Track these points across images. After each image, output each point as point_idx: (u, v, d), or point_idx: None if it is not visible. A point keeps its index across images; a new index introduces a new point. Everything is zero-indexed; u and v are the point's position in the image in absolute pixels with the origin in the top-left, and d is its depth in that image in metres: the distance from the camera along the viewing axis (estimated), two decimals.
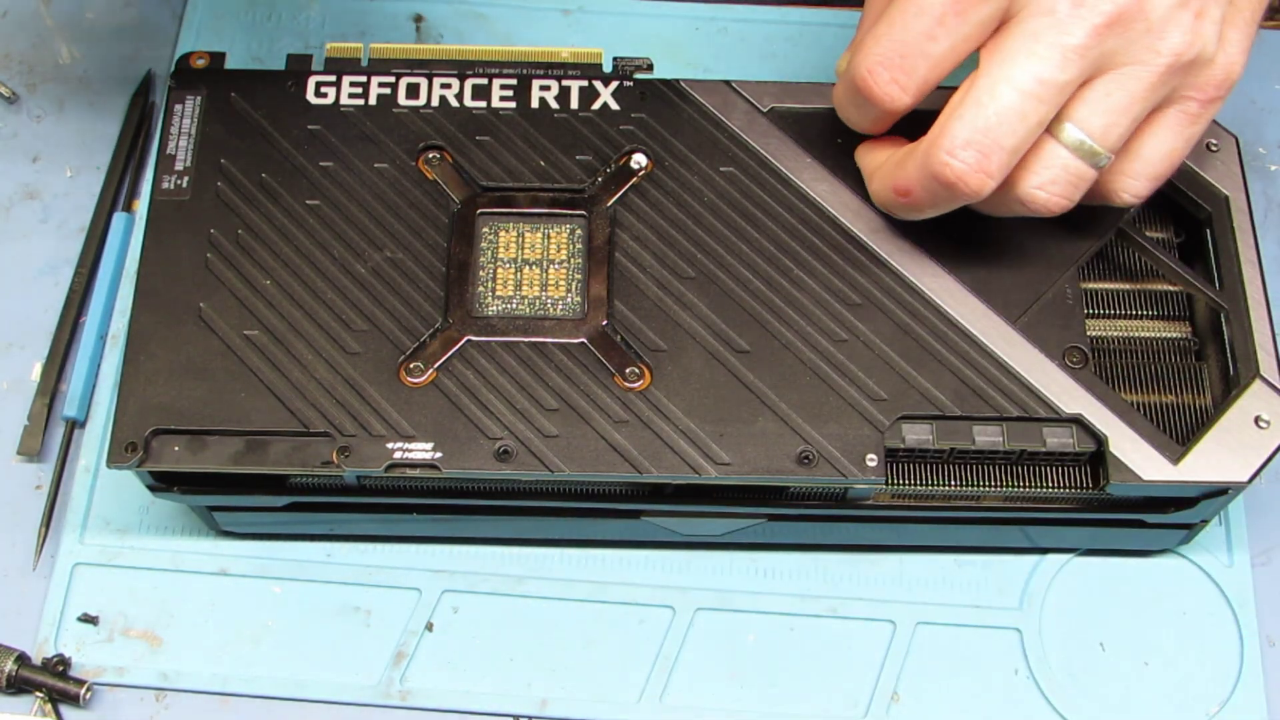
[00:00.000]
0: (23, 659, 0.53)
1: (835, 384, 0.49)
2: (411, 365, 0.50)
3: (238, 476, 0.49)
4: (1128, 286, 0.53)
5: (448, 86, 0.54)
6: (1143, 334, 0.53)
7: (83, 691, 0.52)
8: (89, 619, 0.54)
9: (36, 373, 0.58)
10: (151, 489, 0.50)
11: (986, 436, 0.49)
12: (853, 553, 0.55)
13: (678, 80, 0.55)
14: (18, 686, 0.52)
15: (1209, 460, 0.49)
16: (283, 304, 0.50)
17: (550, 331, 0.50)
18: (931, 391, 0.49)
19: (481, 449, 0.48)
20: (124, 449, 0.48)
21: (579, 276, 0.52)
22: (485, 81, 0.54)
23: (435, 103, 0.54)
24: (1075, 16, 0.44)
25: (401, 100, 0.54)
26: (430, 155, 0.53)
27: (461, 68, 0.55)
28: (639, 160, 0.53)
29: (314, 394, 0.49)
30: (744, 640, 0.54)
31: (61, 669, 0.53)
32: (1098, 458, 0.49)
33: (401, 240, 0.52)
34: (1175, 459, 0.48)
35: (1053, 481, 0.50)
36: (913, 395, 0.49)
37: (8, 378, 0.58)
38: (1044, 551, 0.55)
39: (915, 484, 0.50)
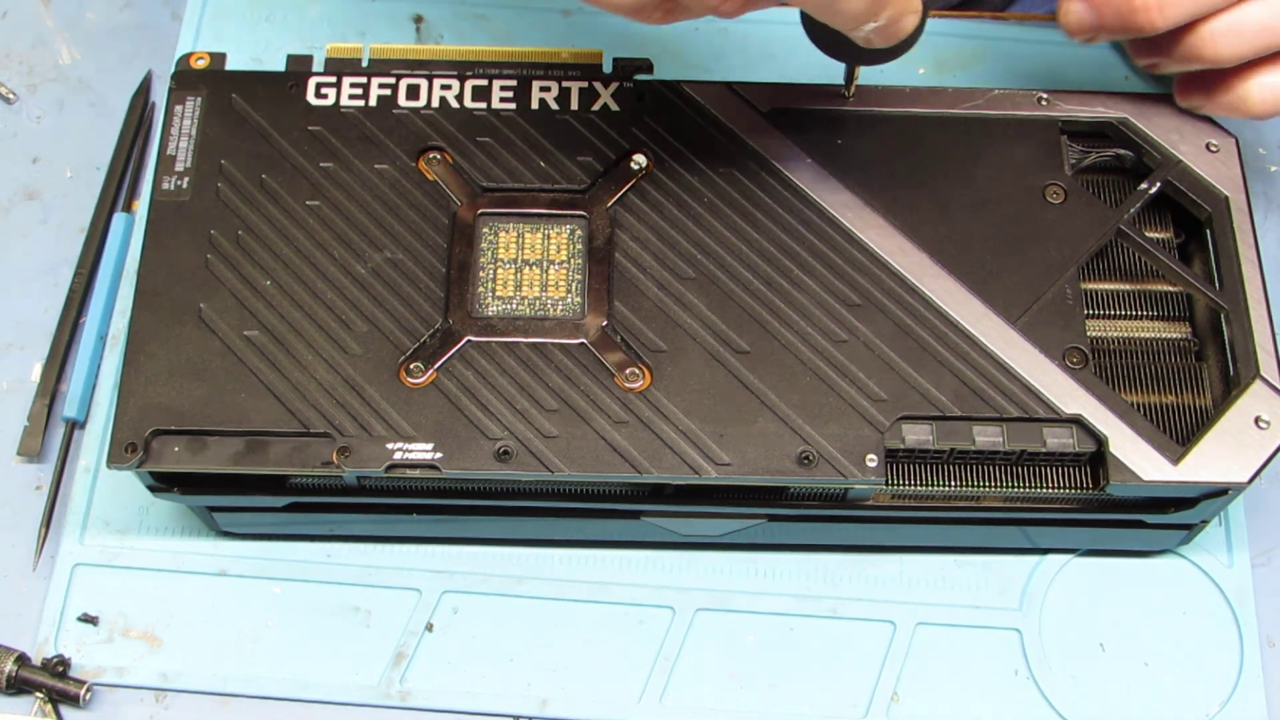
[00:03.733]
0: (23, 659, 0.53)
1: (835, 384, 0.49)
2: (411, 366, 0.50)
3: (238, 477, 0.49)
4: (1128, 287, 0.53)
5: (448, 87, 0.54)
6: (1143, 334, 0.53)
7: (83, 692, 0.52)
8: (89, 619, 0.54)
9: (36, 373, 0.58)
10: (151, 489, 0.50)
11: (986, 437, 0.49)
12: (853, 553, 0.55)
13: (678, 81, 0.55)
14: (18, 687, 0.52)
15: (1209, 460, 0.49)
16: (283, 304, 0.50)
17: (550, 332, 0.50)
18: (931, 392, 0.49)
19: (481, 449, 0.48)
20: (124, 449, 0.48)
21: (579, 277, 0.52)
22: (485, 82, 0.55)
23: (435, 103, 0.54)
24: None
25: (402, 101, 0.54)
26: (430, 156, 0.53)
27: (461, 68, 0.55)
28: (639, 161, 0.53)
29: (314, 394, 0.49)
30: (744, 640, 0.54)
31: (61, 669, 0.53)
32: (1098, 458, 0.49)
33: (401, 241, 0.52)
34: (1175, 459, 0.49)
35: (1053, 482, 0.50)
36: (913, 395, 0.49)
37: (8, 378, 0.58)
38: (1044, 552, 0.55)
39: (915, 484, 0.50)
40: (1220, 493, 0.49)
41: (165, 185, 0.52)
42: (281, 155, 0.53)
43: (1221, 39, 0.50)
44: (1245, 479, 0.48)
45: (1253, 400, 0.49)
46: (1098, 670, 0.54)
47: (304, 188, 0.52)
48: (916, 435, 0.49)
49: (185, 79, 0.54)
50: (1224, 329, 0.51)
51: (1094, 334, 0.52)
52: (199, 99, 0.54)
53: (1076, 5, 0.52)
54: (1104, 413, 0.49)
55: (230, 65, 0.55)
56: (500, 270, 0.52)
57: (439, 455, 0.48)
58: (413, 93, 0.54)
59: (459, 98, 0.54)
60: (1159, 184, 0.53)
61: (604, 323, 0.50)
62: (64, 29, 0.66)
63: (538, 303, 0.51)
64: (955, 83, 0.63)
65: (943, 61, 0.65)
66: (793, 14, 0.51)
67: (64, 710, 0.53)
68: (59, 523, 0.56)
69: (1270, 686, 0.53)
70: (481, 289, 0.51)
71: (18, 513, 0.56)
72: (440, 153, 0.53)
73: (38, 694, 0.52)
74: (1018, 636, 0.54)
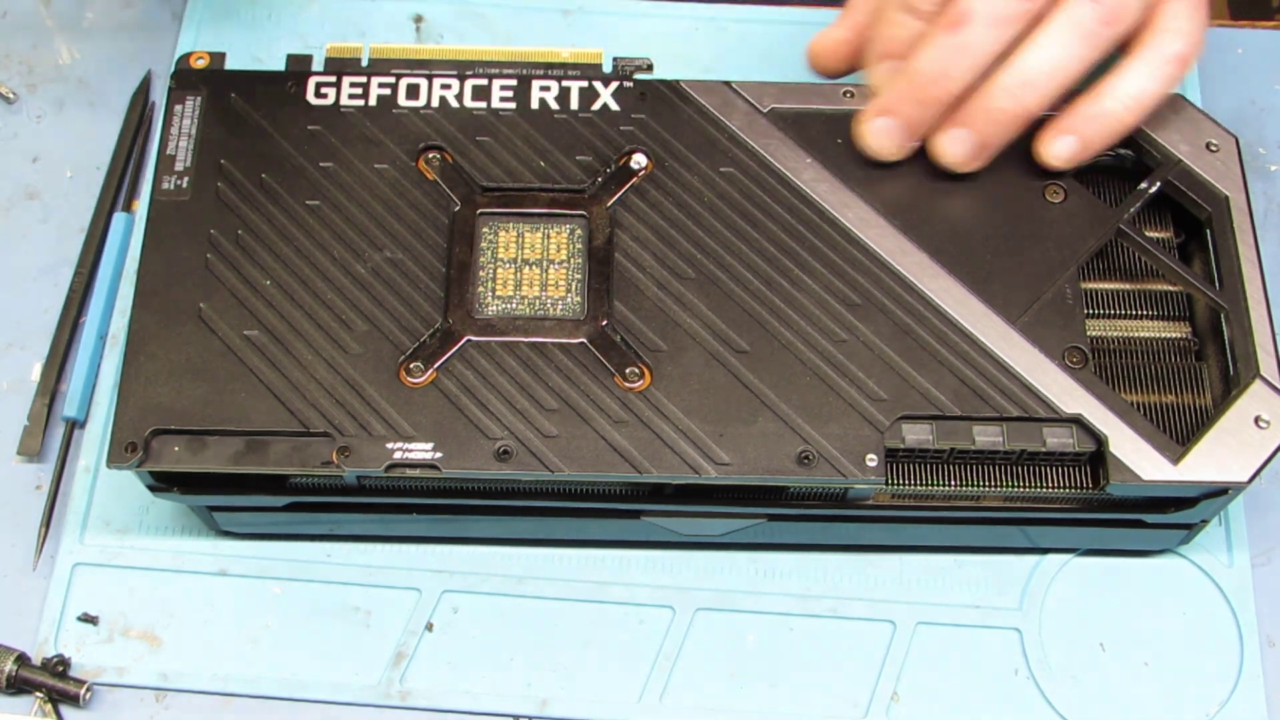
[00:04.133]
0: (23, 659, 0.53)
1: (835, 384, 0.49)
2: (411, 365, 0.50)
3: (238, 476, 0.49)
4: (1128, 286, 0.53)
5: (448, 87, 0.54)
6: (1143, 334, 0.53)
7: (83, 691, 0.52)
8: (89, 619, 0.54)
9: (36, 373, 0.58)
10: (151, 489, 0.50)
11: (986, 436, 0.49)
12: (853, 553, 0.55)
13: (678, 80, 0.55)
14: (18, 687, 0.52)
15: (1209, 460, 0.49)
16: (283, 304, 0.50)
17: (550, 331, 0.50)
18: (931, 391, 0.49)
19: (481, 449, 0.48)
20: (124, 449, 0.48)
21: (579, 276, 0.52)
22: (485, 82, 0.55)
23: (435, 103, 0.54)
24: None
25: (401, 101, 0.54)
26: (430, 155, 0.53)
27: (461, 68, 0.55)
28: (639, 160, 0.53)
29: (314, 394, 0.49)
30: (744, 640, 0.54)
31: (61, 669, 0.53)
32: (1098, 458, 0.49)
33: (401, 240, 0.52)
34: (1175, 459, 0.49)
35: (1053, 481, 0.50)
36: (913, 395, 0.49)
37: (8, 378, 0.58)
38: (1044, 551, 0.55)
39: (915, 484, 0.50)
40: (1220, 492, 0.49)
41: (165, 185, 0.52)
42: (281, 155, 0.53)
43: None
44: (1245, 479, 0.48)
45: (1252, 400, 0.49)
46: (1098, 670, 0.54)
47: (304, 187, 0.52)
48: (916, 435, 0.49)
49: (185, 79, 0.54)
50: (1224, 329, 0.51)
51: (1094, 334, 0.52)
52: (199, 99, 0.54)
53: (879, 123, 0.52)
54: (1104, 412, 0.49)
55: (230, 65, 0.55)
56: (500, 270, 0.52)
57: (439, 455, 0.48)
58: (412, 92, 0.54)
59: (459, 98, 0.54)
60: (1159, 184, 0.53)
61: (604, 322, 0.50)
62: (64, 29, 0.66)
63: (538, 302, 0.51)
64: None
65: None
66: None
67: (64, 710, 0.53)
68: (59, 522, 0.56)
69: (1270, 686, 0.53)
70: (481, 289, 0.51)
71: (18, 513, 0.56)
72: (440, 152, 0.53)
73: (38, 694, 0.52)
74: (1018, 636, 0.54)
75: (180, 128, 0.53)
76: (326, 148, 0.53)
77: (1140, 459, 0.48)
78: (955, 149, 0.51)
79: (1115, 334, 0.53)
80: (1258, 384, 0.50)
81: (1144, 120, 0.52)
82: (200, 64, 0.55)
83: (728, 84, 0.55)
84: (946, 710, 0.53)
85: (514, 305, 0.51)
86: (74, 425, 0.57)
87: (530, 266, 0.52)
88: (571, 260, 0.52)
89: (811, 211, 0.52)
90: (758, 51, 0.65)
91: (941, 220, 0.52)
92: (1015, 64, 0.50)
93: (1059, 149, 0.52)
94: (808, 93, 0.55)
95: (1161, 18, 0.51)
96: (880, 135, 0.52)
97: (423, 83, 0.54)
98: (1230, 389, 0.50)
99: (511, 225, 0.52)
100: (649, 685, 0.53)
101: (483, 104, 0.54)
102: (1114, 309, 0.53)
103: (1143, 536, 0.54)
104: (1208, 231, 0.53)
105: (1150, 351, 0.52)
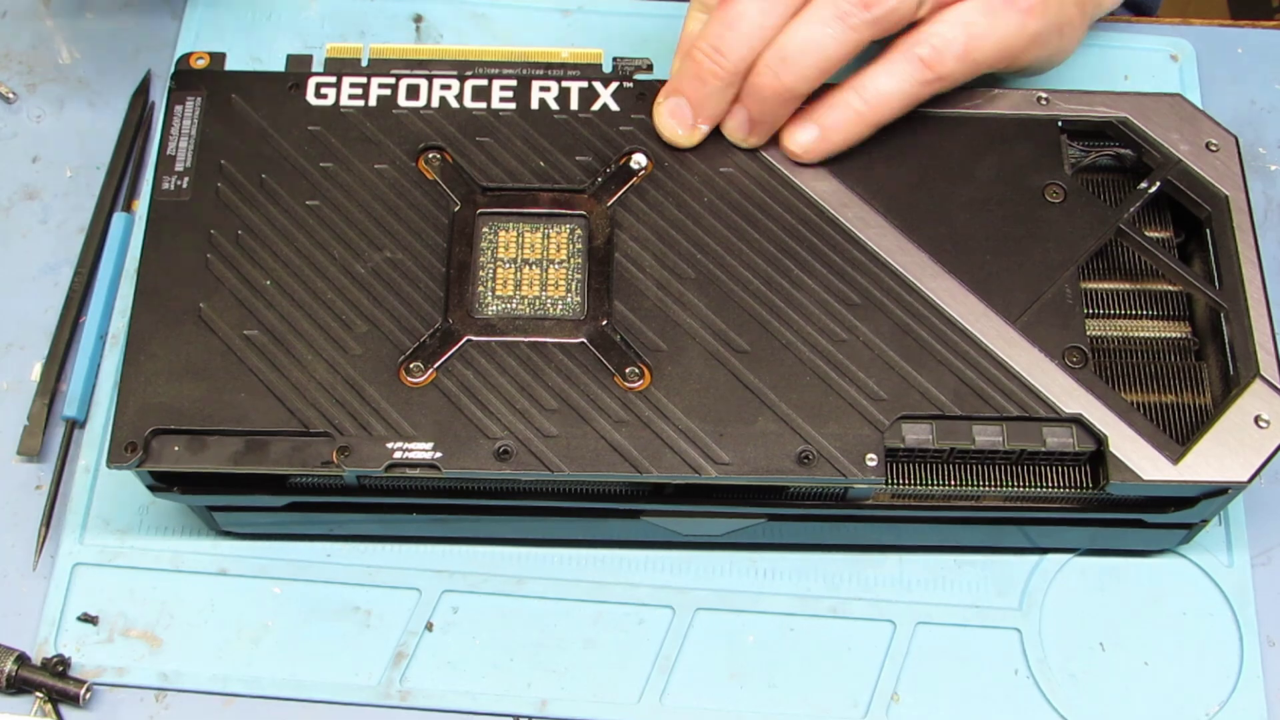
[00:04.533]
0: (23, 659, 0.53)
1: (835, 384, 0.49)
2: (411, 365, 0.50)
3: (238, 476, 0.49)
4: (1128, 286, 0.54)
5: (448, 87, 0.54)
6: (1143, 334, 0.53)
7: (82, 691, 0.52)
8: (89, 619, 0.54)
9: (36, 373, 0.58)
10: (151, 489, 0.50)
11: (986, 436, 0.49)
12: (853, 553, 0.55)
13: None
14: (18, 687, 0.52)
15: (1209, 460, 0.49)
16: (283, 304, 0.50)
17: (550, 331, 0.50)
18: (931, 391, 0.49)
19: (481, 449, 0.48)
20: (124, 449, 0.48)
21: (579, 276, 0.52)
22: (485, 82, 0.55)
23: (435, 103, 0.54)
24: None
25: (401, 101, 0.54)
26: (430, 156, 0.53)
27: (461, 68, 0.55)
28: (639, 160, 0.53)
29: (314, 394, 0.49)
30: (744, 640, 0.54)
31: (61, 669, 0.53)
32: (1098, 457, 0.49)
33: (401, 240, 0.52)
34: (1175, 459, 0.49)
35: (1053, 481, 0.50)
36: (913, 395, 0.49)
37: (8, 378, 0.58)
38: (1044, 551, 0.55)
39: (915, 484, 0.50)
40: (1220, 492, 0.49)
41: (165, 185, 0.52)
42: (281, 155, 0.53)
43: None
44: (1245, 478, 0.48)
45: (1252, 399, 0.49)
46: (1098, 670, 0.54)
47: (304, 188, 0.52)
48: (916, 435, 0.49)
49: (185, 79, 0.54)
50: (1224, 328, 0.51)
51: (1094, 333, 0.52)
52: (199, 99, 0.54)
53: (669, 104, 0.53)
54: (1104, 412, 0.49)
55: (230, 65, 0.55)
56: (500, 270, 0.52)
57: (439, 455, 0.48)
58: (412, 93, 0.54)
59: (459, 98, 0.54)
60: (1159, 183, 0.53)
61: (604, 322, 0.50)
62: (64, 29, 0.66)
63: (537, 302, 0.51)
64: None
65: None
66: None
67: (64, 710, 0.53)
68: (59, 522, 0.56)
69: (1270, 686, 0.53)
70: (481, 288, 0.51)
71: (18, 512, 0.56)
72: (440, 152, 0.53)
73: (38, 694, 0.52)
74: (1018, 636, 0.54)
75: (180, 128, 0.53)
76: (326, 148, 0.53)
77: (1140, 459, 0.49)
78: (731, 125, 0.53)
79: (1115, 334, 0.53)
80: (1258, 384, 0.50)
81: (888, 119, 0.52)
82: (200, 64, 0.55)
83: None
84: (946, 710, 0.53)
85: (514, 305, 0.51)
86: (74, 425, 0.57)
87: (530, 266, 0.52)
88: (571, 260, 0.52)
89: (811, 211, 0.52)
90: None
91: (941, 220, 0.52)
92: (776, 42, 0.51)
93: (799, 136, 0.52)
94: None
95: (934, 20, 0.52)
96: (669, 115, 0.53)
97: (423, 83, 0.54)
98: (1230, 389, 0.50)
99: (511, 225, 0.52)
100: (649, 685, 0.53)
101: (483, 104, 0.54)
102: (1114, 309, 0.53)
103: (1143, 536, 0.54)
104: (1207, 231, 0.53)
105: (1150, 351, 0.52)
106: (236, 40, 0.64)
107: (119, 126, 0.63)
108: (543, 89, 0.55)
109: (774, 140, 0.53)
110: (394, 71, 0.55)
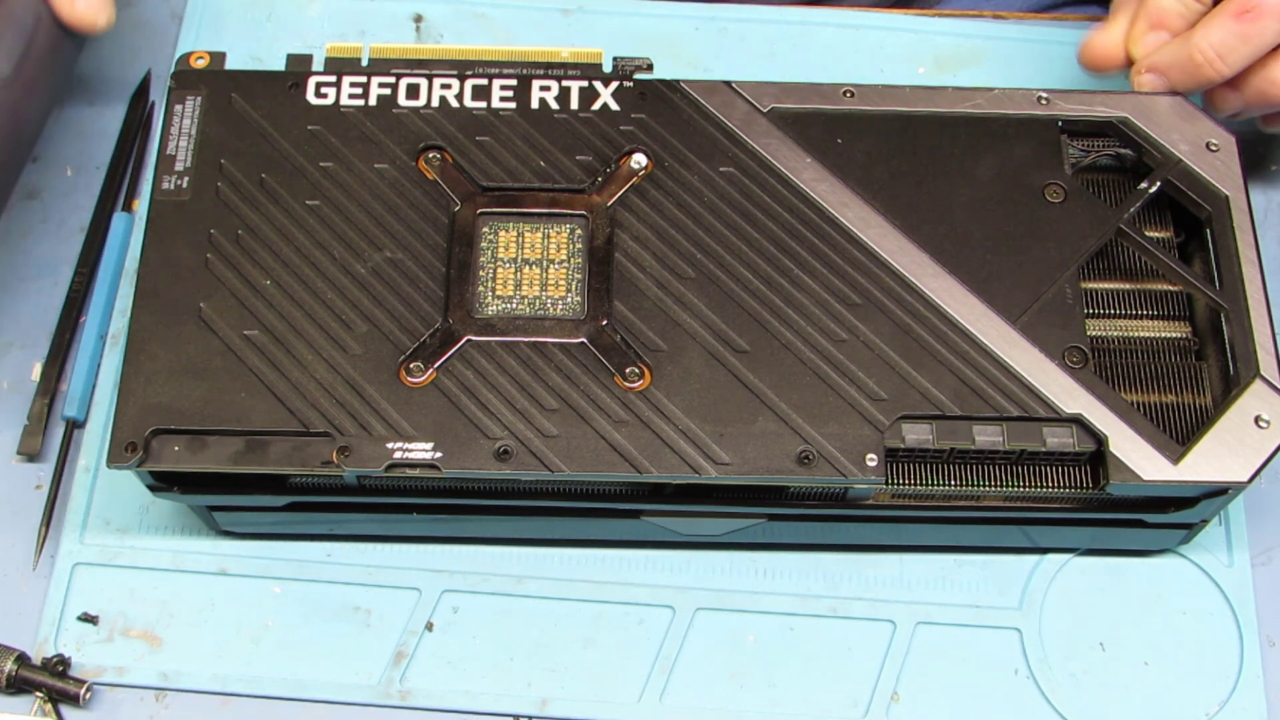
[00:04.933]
0: (23, 659, 0.53)
1: (835, 384, 0.49)
2: (411, 365, 0.50)
3: (238, 476, 0.49)
4: (1128, 286, 0.53)
5: (448, 87, 0.54)
6: (1143, 334, 0.53)
7: (82, 691, 0.52)
8: (89, 619, 0.54)
9: (36, 373, 0.58)
10: (151, 489, 0.50)
11: (986, 436, 0.49)
12: (853, 553, 0.55)
13: (678, 80, 0.55)
14: (18, 686, 0.52)
15: (1209, 460, 0.49)
16: (283, 304, 0.50)
17: (550, 331, 0.50)
18: (931, 391, 0.49)
19: (481, 449, 0.48)
20: (124, 449, 0.48)
21: (579, 276, 0.52)
22: (485, 82, 0.55)
23: (435, 103, 0.54)
24: None
25: (401, 101, 0.54)
26: (430, 155, 0.53)
27: (461, 68, 0.55)
28: (639, 160, 0.53)
29: (314, 394, 0.49)
30: (744, 640, 0.54)
31: (61, 669, 0.53)
32: (1098, 457, 0.49)
33: (401, 240, 0.52)
34: (1175, 459, 0.49)
35: (1053, 481, 0.50)
36: (913, 395, 0.49)
37: (8, 378, 0.58)
38: (1044, 551, 0.55)
39: (915, 484, 0.50)
40: (1220, 492, 0.49)
41: (165, 185, 0.52)
42: (281, 155, 0.53)
43: None
44: (1245, 478, 0.48)
45: (1253, 399, 0.49)
46: (1098, 670, 0.54)
47: (304, 187, 0.52)
48: (916, 435, 0.49)
49: (185, 79, 0.54)
50: (1224, 328, 0.51)
51: (1094, 333, 0.52)
52: (199, 99, 0.54)
53: (1148, 76, 0.55)
54: (1104, 412, 0.49)
55: (230, 65, 0.55)
56: (500, 270, 0.52)
57: (439, 455, 0.48)
58: (412, 92, 0.54)
59: (459, 97, 0.54)
60: (1159, 183, 0.53)
61: (604, 322, 0.50)
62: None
63: (537, 302, 0.51)
64: (955, 83, 0.63)
65: (943, 61, 0.65)
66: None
67: (64, 710, 0.53)
68: (59, 522, 0.56)
69: (1270, 686, 0.53)
70: (481, 288, 0.51)
71: (18, 512, 0.56)
72: (440, 152, 0.53)
73: (38, 693, 0.52)
74: (1018, 636, 0.54)
75: (180, 128, 0.53)
76: (326, 148, 0.53)
77: (1140, 459, 0.49)
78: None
79: (1115, 334, 0.53)
80: (1258, 384, 0.50)
81: None
82: (200, 64, 0.55)
83: (728, 84, 0.55)
84: (946, 710, 0.53)
85: (514, 305, 0.51)
86: (74, 425, 0.57)
87: (530, 266, 0.52)
88: (571, 260, 0.52)
89: (811, 211, 0.52)
90: (758, 51, 0.65)
91: (941, 220, 0.52)
92: (1268, 66, 0.53)
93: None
94: (808, 93, 0.55)
95: None
96: (1149, 86, 0.56)
97: (423, 83, 0.54)
98: (1230, 389, 0.50)
99: (511, 225, 0.52)
100: (649, 685, 0.53)
101: (483, 104, 0.54)
102: (1114, 309, 0.53)
103: (1143, 536, 0.54)
104: (1208, 231, 0.53)
105: (1150, 351, 0.52)
106: (236, 40, 0.65)
107: (119, 126, 0.63)
108: (543, 88, 0.55)
109: (773, 140, 0.53)
110: (394, 71, 0.55)
